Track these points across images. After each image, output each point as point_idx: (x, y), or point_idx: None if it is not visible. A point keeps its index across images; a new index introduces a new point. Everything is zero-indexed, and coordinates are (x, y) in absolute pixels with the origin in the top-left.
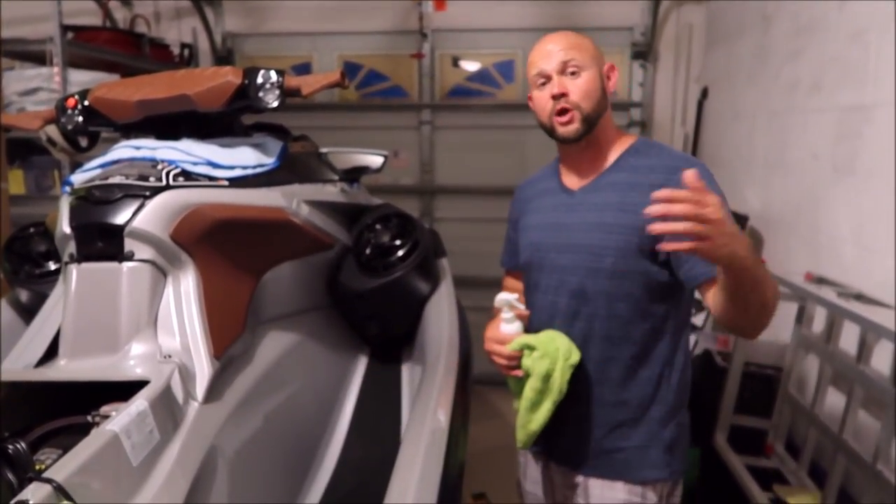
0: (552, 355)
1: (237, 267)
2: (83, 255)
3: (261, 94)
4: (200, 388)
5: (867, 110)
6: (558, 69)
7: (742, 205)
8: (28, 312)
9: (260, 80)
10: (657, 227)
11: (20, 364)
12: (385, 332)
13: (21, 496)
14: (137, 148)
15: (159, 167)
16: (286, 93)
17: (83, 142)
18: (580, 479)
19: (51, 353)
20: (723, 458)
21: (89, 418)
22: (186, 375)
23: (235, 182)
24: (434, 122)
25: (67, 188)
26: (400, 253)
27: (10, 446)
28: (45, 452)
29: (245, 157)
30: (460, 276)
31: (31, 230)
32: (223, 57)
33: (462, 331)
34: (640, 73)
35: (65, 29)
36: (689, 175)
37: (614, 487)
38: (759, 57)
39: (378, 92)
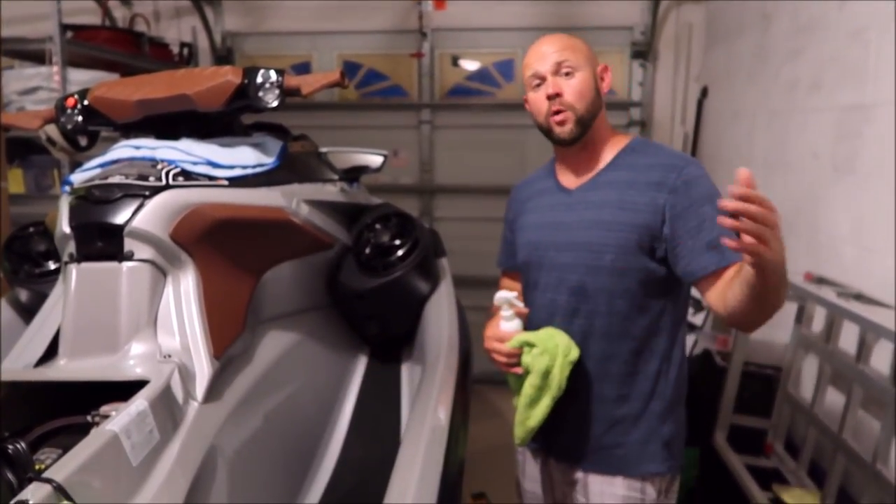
0: (551, 352)
1: (237, 266)
2: (83, 255)
3: (260, 93)
4: (200, 388)
5: (867, 109)
6: (553, 70)
7: None
8: (28, 312)
9: (260, 79)
10: (730, 223)
11: (20, 364)
12: (385, 332)
13: (21, 496)
14: (137, 147)
15: (159, 167)
16: (286, 92)
17: (83, 141)
18: (579, 475)
19: (51, 352)
20: (722, 457)
21: (89, 418)
22: (186, 375)
23: (235, 182)
24: (434, 122)
25: (67, 188)
26: (400, 252)
27: (10, 446)
28: (45, 452)
29: (245, 156)
30: (460, 275)
31: (31, 229)
32: (223, 56)
33: (462, 330)
34: (640, 72)
35: (64, 28)
36: (744, 173)
37: (614, 483)
38: (758, 56)
39: (378, 91)
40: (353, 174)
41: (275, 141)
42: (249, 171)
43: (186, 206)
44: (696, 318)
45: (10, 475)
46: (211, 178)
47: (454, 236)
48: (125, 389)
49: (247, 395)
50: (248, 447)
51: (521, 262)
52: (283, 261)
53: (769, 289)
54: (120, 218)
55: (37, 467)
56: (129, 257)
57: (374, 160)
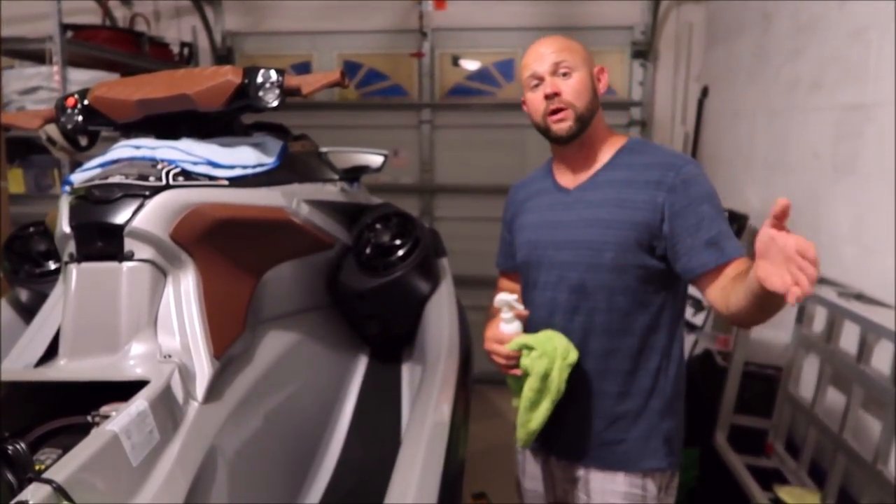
0: (550, 355)
1: (237, 266)
2: (83, 255)
3: (261, 93)
4: (200, 388)
5: (868, 109)
6: (550, 70)
7: (742, 204)
8: (28, 312)
9: (260, 79)
10: (798, 296)
11: (20, 364)
12: (385, 332)
13: (21, 496)
14: (137, 147)
15: (159, 167)
16: (286, 92)
17: (83, 141)
18: (581, 472)
19: (51, 352)
20: (723, 457)
21: (89, 418)
22: (186, 375)
23: (235, 182)
24: (434, 122)
25: (67, 187)
26: (400, 252)
27: (10, 446)
28: (45, 452)
29: (245, 156)
30: (460, 275)
31: (31, 229)
32: (223, 56)
33: (462, 330)
34: (641, 72)
35: (64, 27)
36: (782, 203)
37: (615, 479)
38: (759, 56)
39: (378, 91)
40: (354, 174)
41: (275, 141)
42: (250, 170)
43: (186, 206)
44: (697, 319)
45: (10, 475)
46: (211, 178)
47: (454, 236)
48: (125, 389)
49: (247, 395)
50: (248, 447)
51: (521, 262)
52: (283, 261)
53: (775, 298)
54: (120, 218)
55: (37, 468)
56: (130, 257)
57: (375, 160)
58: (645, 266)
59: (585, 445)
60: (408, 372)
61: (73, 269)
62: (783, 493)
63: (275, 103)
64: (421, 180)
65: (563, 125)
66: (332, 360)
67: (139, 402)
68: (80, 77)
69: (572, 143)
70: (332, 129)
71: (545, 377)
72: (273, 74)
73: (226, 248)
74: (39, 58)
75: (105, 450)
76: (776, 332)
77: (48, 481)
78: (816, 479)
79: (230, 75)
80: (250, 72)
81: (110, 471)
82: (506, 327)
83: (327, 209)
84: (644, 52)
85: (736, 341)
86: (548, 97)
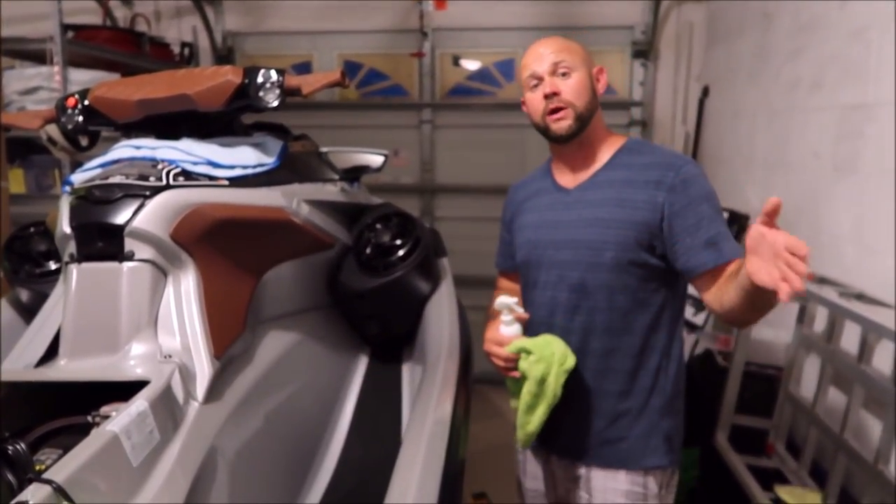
0: (547, 360)
1: (237, 266)
2: (83, 255)
3: (261, 93)
4: (201, 388)
5: (868, 109)
6: (550, 70)
7: (743, 204)
8: (28, 312)
9: (260, 79)
10: (788, 293)
11: (20, 364)
12: (385, 332)
13: (21, 497)
14: (137, 147)
15: (159, 167)
16: (286, 92)
17: (83, 141)
18: (582, 470)
19: (51, 352)
20: (723, 457)
21: (89, 418)
22: (187, 375)
23: (236, 182)
24: (434, 121)
25: (67, 188)
26: (400, 252)
27: (10, 446)
28: (45, 453)
29: (245, 156)
30: (461, 275)
31: (32, 229)
32: (223, 56)
33: (462, 330)
34: (641, 71)
35: (65, 28)
36: (773, 202)
37: (617, 477)
38: (759, 55)
39: (378, 91)
40: (354, 174)
41: (275, 141)
42: (250, 171)
43: (187, 206)
44: (698, 318)
45: (10, 476)
46: (211, 178)
47: (455, 236)
48: (125, 389)
49: (247, 395)
50: (248, 447)
51: (521, 262)
52: (283, 261)
53: (766, 294)
54: (120, 218)
55: (37, 468)
56: (130, 257)
57: (375, 160)
58: (645, 265)
59: (586, 444)
60: (408, 372)
61: (74, 270)
62: (784, 493)
63: (275, 103)
64: (421, 180)
65: (562, 124)
66: (332, 360)
67: (139, 403)
68: (81, 77)
69: (571, 143)
70: (332, 129)
71: (542, 382)
72: (273, 74)
73: (226, 248)
74: (40, 58)
75: (105, 450)
76: (777, 332)
77: (48, 481)
78: (817, 479)
79: (230, 75)
80: (250, 72)
81: (110, 471)
82: (505, 329)
83: (327, 209)
84: (644, 51)
85: (737, 341)
86: (547, 97)
